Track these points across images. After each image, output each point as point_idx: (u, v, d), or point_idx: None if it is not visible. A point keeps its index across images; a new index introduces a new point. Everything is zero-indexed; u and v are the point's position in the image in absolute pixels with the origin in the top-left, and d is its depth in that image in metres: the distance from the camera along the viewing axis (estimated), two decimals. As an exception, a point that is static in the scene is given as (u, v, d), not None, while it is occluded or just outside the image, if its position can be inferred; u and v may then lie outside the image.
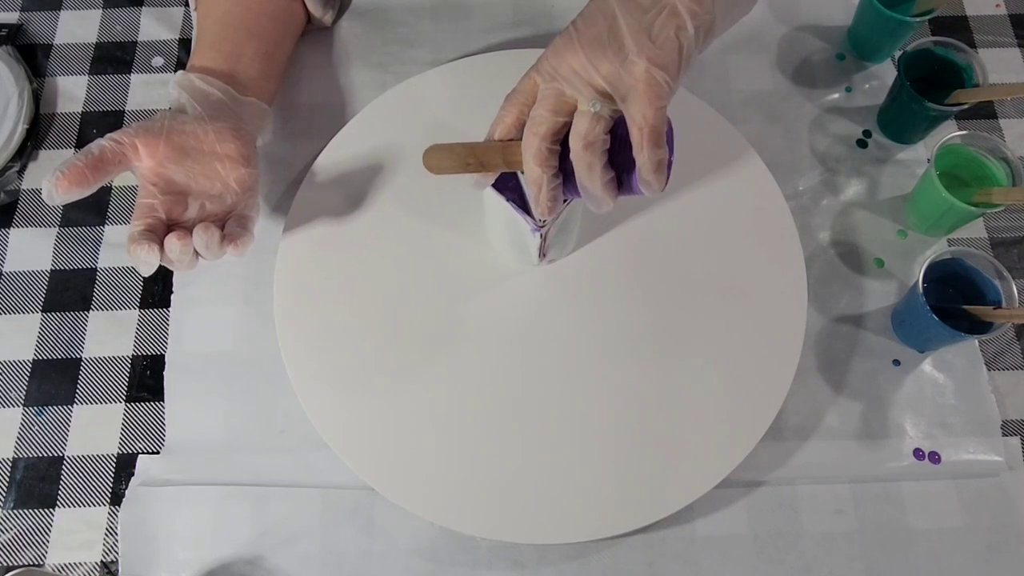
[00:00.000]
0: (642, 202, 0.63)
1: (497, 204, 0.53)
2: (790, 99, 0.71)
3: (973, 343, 0.62)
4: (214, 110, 0.56)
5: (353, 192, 0.64)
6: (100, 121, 0.70)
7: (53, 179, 0.49)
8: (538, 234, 0.54)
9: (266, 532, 0.56)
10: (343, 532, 0.56)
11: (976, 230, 0.67)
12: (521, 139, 0.47)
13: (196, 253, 0.52)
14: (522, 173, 0.48)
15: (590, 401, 0.57)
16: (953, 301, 0.60)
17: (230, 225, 0.54)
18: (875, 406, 0.60)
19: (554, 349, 0.59)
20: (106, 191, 0.68)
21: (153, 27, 0.74)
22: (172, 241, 0.50)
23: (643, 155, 0.43)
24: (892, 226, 0.66)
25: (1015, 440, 0.60)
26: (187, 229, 0.51)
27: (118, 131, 0.52)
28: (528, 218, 0.53)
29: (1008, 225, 0.67)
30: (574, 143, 0.44)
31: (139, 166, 0.53)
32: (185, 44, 0.73)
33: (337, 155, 0.65)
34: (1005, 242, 0.66)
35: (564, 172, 0.47)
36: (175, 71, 0.65)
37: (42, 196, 0.50)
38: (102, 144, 0.51)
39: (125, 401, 0.61)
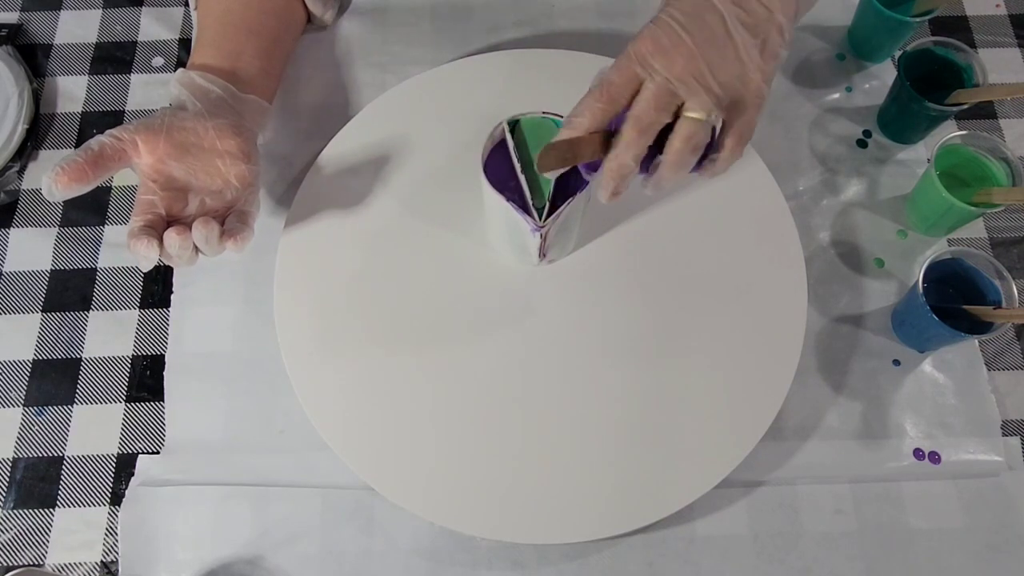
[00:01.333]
0: (642, 202, 0.63)
1: (497, 204, 0.53)
2: (790, 99, 0.71)
3: (973, 343, 0.62)
4: (214, 107, 0.56)
5: (353, 192, 0.64)
6: (100, 121, 0.70)
7: (52, 175, 0.49)
8: (538, 234, 0.54)
9: (266, 532, 0.56)
10: (343, 532, 0.56)
11: (976, 230, 0.67)
12: (603, 129, 0.48)
13: (196, 248, 0.52)
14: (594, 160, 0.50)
15: (590, 401, 0.57)
16: (953, 301, 0.60)
17: (230, 221, 0.53)
18: (875, 406, 0.60)
19: (554, 349, 0.59)
20: (106, 191, 0.68)
21: (153, 27, 0.74)
22: (171, 236, 0.50)
23: (725, 155, 0.48)
24: (892, 226, 0.66)
25: (1015, 440, 0.60)
26: (186, 224, 0.51)
27: (118, 127, 0.52)
28: (528, 218, 0.53)
29: (1008, 225, 0.67)
30: (681, 145, 0.46)
31: (139, 162, 0.53)
32: (185, 44, 0.73)
33: (337, 155, 0.65)
34: (1005, 242, 0.66)
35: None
36: (175, 71, 0.65)
37: (42, 192, 0.50)
38: (102, 140, 0.51)
39: (125, 401, 0.61)
